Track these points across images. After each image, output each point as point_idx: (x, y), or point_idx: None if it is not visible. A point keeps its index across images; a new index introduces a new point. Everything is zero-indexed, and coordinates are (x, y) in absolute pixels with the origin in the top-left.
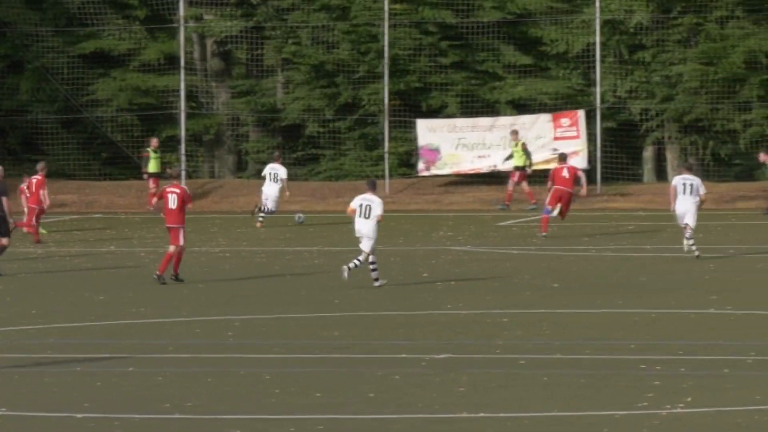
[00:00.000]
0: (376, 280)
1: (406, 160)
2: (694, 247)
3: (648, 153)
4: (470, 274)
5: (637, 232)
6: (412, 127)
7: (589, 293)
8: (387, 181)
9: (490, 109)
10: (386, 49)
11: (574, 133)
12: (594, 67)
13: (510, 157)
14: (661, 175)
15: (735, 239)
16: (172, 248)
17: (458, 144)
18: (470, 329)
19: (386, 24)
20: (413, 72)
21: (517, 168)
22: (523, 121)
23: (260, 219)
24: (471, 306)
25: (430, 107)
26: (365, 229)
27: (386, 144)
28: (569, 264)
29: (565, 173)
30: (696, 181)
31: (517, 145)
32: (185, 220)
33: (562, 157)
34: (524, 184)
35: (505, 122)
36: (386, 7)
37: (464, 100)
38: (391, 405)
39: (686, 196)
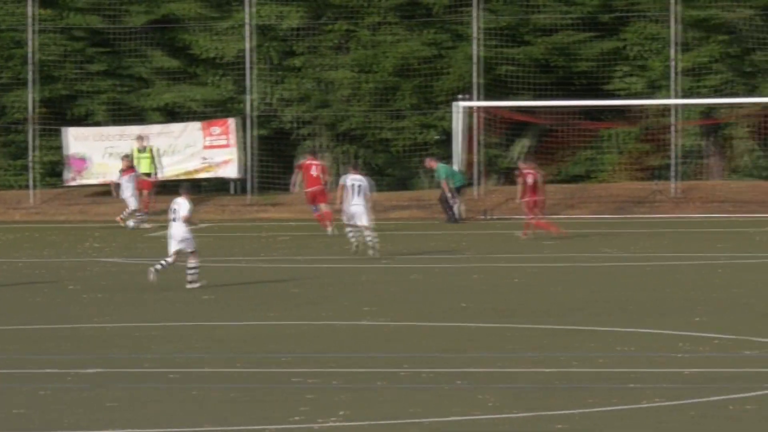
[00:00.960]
0: (191, 282)
1: (53, 170)
2: (371, 243)
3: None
4: (119, 286)
5: (290, 243)
6: (59, 135)
7: (241, 305)
8: (32, 191)
9: (138, 116)
10: (31, 55)
11: (225, 142)
12: (246, 74)
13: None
14: None
15: (388, 250)
16: None
17: (106, 153)
18: (119, 343)
19: (30, 29)
20: (60, 79)
21: (145, 174)
22: (173, 129)
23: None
24: (120, 319)
25: (77, 115)
26: (174, 231)
27: (31, 153)
28: (221, 275)
29: (314, 171)
30: (364, 182)
31: (145, 150)
32: None
33: (311, 152)
34: (145, 193)
35: (155, 130)
36: (30, 12)
37: (112, 108)
38: (37, 422)
39: (356, 198)
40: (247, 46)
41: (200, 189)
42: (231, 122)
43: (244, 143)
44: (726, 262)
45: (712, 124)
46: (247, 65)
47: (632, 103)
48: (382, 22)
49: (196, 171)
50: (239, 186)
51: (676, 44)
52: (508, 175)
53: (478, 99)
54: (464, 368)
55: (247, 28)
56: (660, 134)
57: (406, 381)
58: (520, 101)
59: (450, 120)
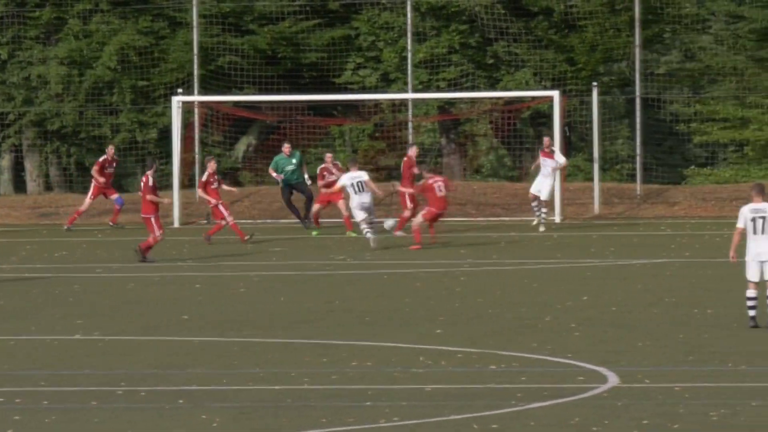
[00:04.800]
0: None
1: None
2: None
3: (5, 162)
4: None
5: None
6: None
7: None
8: None
9: None
10: None
11: None
12: None
13: None
14: (20, 186)
15: (101, 257)
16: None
17: None
18: None
19: None
20: None
21: None
22: None
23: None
24: None
25: None
26: (363, 200)
27: None
28: None
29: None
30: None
31: None
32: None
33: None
34: None
35: None
36: None
37: None
38: None
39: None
40: None
41: None
42: None
43: None
44: (469, 269)
45: (451, 120)
46: None
47: (365, 98)
48: (94, 10)
49: None
50: None
51: (412, 34)
52: (232, 176)
53: (199, 93)
54: (186, 386)
55: None
56: (395, 131)
57: (122, 400)
58: (243, 95)
59: (169, 116)
